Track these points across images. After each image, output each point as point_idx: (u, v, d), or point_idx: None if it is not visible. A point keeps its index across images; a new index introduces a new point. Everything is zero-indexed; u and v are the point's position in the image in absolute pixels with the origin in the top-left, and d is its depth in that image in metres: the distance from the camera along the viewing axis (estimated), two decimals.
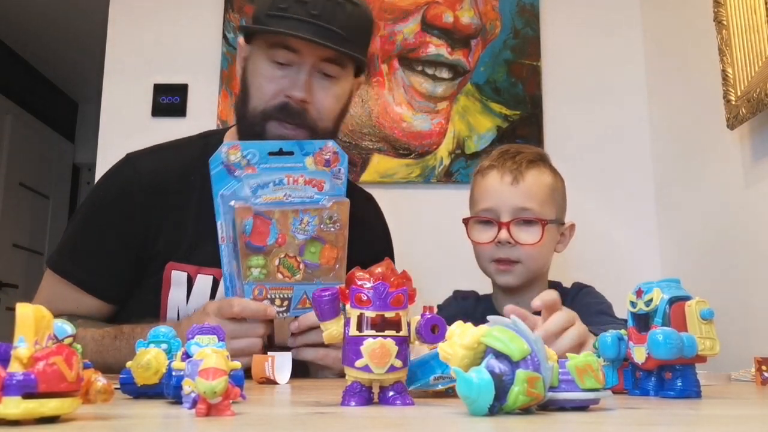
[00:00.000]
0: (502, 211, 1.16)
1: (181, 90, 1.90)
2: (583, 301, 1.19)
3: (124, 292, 1.10)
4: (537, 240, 1.14)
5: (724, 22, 1.37)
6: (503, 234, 1.14)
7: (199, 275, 1.07)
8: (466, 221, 1.22)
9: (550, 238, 1.18)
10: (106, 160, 1.87)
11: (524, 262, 1.15)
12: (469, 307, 1.26)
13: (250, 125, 1.07)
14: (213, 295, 1.06)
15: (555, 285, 1.25)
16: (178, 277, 1.06)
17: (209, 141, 1.15)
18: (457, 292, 1.30)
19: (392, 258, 1.25)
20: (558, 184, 1.22)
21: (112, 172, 1.14)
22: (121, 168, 1.13)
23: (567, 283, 1.27)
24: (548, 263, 1.21)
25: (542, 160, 1.22)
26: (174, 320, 1.05)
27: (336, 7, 1.01)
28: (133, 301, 1.10)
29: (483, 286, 1.30)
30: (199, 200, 1.07)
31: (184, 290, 1.06)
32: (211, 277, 1.07)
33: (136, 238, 1.08)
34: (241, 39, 1.13)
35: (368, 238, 1.15)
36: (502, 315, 1.18)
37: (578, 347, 0.84)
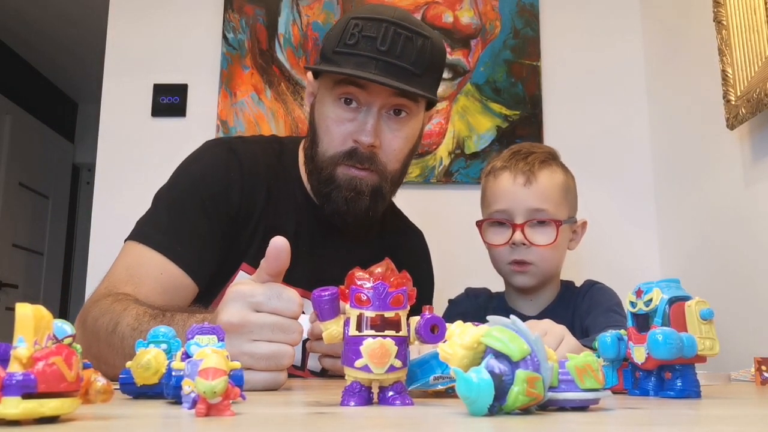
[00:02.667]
0: (516, 212, 1.16)
1: (180, 90, 1.90)
2: (594, 298, 1.19)
3: (208, 276, 1.02)
4: (552, 241, 1.14)
5: (724, 22, 1.37)
6: (518, 236, 1.14)
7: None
8: (479, 224, 1.22)
9: (564, 238, 1.18)
10: (105, 160, 1.87)
11: (539, 264, 1.15)
12: (482, 304, 1.26)
13: (319, 169, 1.05)
14: None
15: (567, 284, 1.26)
16: (243, 277, 1.03)
17: (284, 147, 1.14)
18: (469, 289, 1.30)
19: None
20: (570, 183, 1.22)
21: (210, 155, 1.09)
22: (219, 153, 1.08)
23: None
24: (561, 262, 1.21)
25: (554, 159, 1.22)
26: None
27: (407, 41, 0.98)
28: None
29: (485, 284, 1.30)
30: (265, 205, 1.06)
31: None
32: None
33: (230, 227, 1.04)
34: (309, 74, 1.11)
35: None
36: (516, 313, 1.18)
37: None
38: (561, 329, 0.88)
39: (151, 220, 1.04)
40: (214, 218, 1.02)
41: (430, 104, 1.11)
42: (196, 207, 1.02)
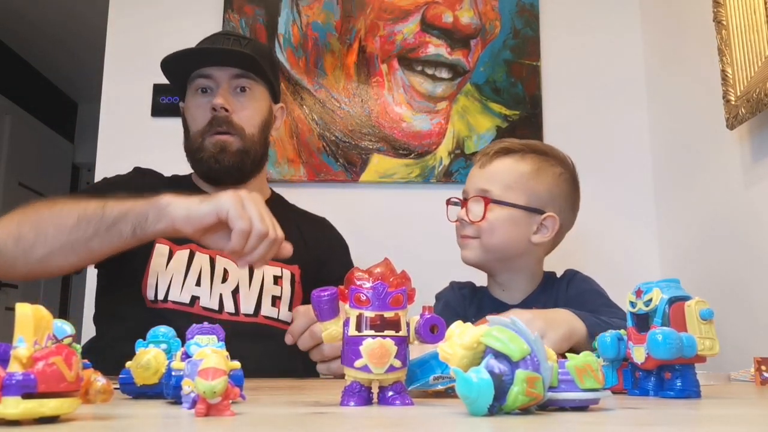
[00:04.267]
0: (468, 192, 1.23)
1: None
2: (581, 287, 1.22)
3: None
4: (480, 217, 1.18)
5: (724, 22, 1.37)
6: (461, 212, 1.23)
7: (177, 251, 1.19)
8: (447, 203, 1.28)
9: (509, 220, 1.18)
10: (105, 160, 1.87)
11: (480, 238, 1.20)
12: (466, 294, 1.29)
13: (193, 151, 1.24)
14: (189, 264, 1.18)
15: (550, 275, 1.28)
16: (161, 249, 1.18)
17: (181, 183, 1.31)
18: (453, 283, 1.33)
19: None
20: (541, 174, 1.21)
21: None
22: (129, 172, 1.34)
23: None
24: (518, 248, 1.20)
25: (533, 152, 1.23)
26: (153, 284, 1.15)
27: (234, 41, 1.27)
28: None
29: (481, 283, 1.30)
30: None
31: (165, 259, 1.18)
32: (187, 251, 1.19)
33: None
34: (181, 104, 1.32)
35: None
36: (498, 302, 1.20)
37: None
38: (539, 330, 0.91)
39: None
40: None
41: (275, 98, 1.35)
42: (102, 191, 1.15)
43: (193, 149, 1.25)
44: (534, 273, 1.25)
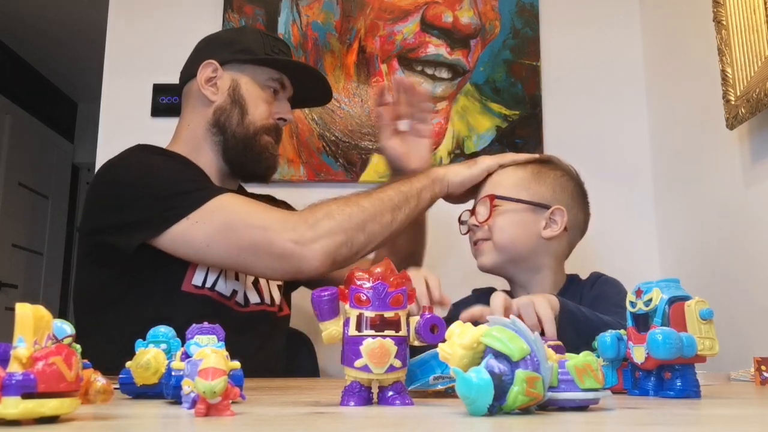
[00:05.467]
0: (475, 203, 1.25)
1: (180, 90, 1.89)
2: (602, 288, 1.21)
3: None
4: (487, 215, 1.19)
5: (724, 22, 1.37)
6: (471, 219, 1.23)
7: None
8: (459, 221, 1.29)
9: (516, 216, 1.20)
10: (105, 160, 1.86)
11: (492, 239, 1.20)
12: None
13: (248, 138, 1.23)
14: None
15: (573, 277, 1.27)
16: None
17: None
18: (475, 291, 1.32)
19: None
20: (542, 176, 1.24)
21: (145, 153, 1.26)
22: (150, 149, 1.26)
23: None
24: (529, 243, 1.21)
25: (531, 163, 1.26)
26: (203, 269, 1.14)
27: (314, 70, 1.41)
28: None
29: (488, 284, 1.30)
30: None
31: None
32: None
33: None
34: (213, 63, 1.25)
35: None
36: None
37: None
38: (527, 299, 0.95)
39: (175, 189, 1.09)
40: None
41: None
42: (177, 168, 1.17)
43: (248, 136, 1.23)
44: (554, 274, 1.24)
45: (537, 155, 1.31)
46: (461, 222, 1.28)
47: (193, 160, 1.20)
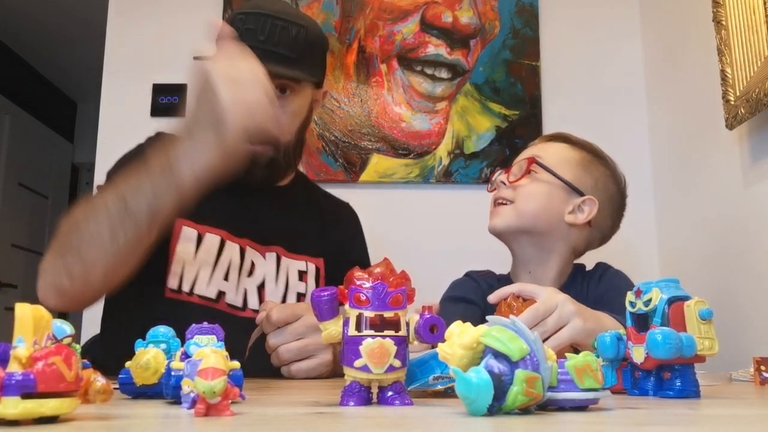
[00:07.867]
0: (516, 162, 1.23)
1: (180, 90, 1.90)
2: (610, 283, 1.19)
3: None
4: (521, 176, 1.18)
5: (723, 22, 1.37)
6: (502, 176, 1.22)
7: (207, 234, 1.12)
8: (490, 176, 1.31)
9: (547, 190, 1.18)
10: (105, 160, 1.87)
11: (515, 203, 1.18)
12: (494, 285, 1.19)
13: None
14: (219, 254, 1.12)
15: (579, 267, 1.25)
16: (188, 233, 1.10)
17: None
18: (471, 273, 1.28)
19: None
20: (590, 167, 1.22)
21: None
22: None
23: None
24: (550, 221, 1.18)
25: (589, 150, 1.25)
26: (178, 272, 1.09)
27: (282, 31, 1.09)
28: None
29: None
30: None
31: (193, 245, 1.10)
32: (218, 237, 1.12)
33: None
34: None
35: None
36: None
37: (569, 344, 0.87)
38: (569, 312, 0.87)
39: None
40: None
41: (318, 84, 1.21)
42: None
43: None
44: (562, 262, 1.21)
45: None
46: (490, 181, 1.26)
47: None
